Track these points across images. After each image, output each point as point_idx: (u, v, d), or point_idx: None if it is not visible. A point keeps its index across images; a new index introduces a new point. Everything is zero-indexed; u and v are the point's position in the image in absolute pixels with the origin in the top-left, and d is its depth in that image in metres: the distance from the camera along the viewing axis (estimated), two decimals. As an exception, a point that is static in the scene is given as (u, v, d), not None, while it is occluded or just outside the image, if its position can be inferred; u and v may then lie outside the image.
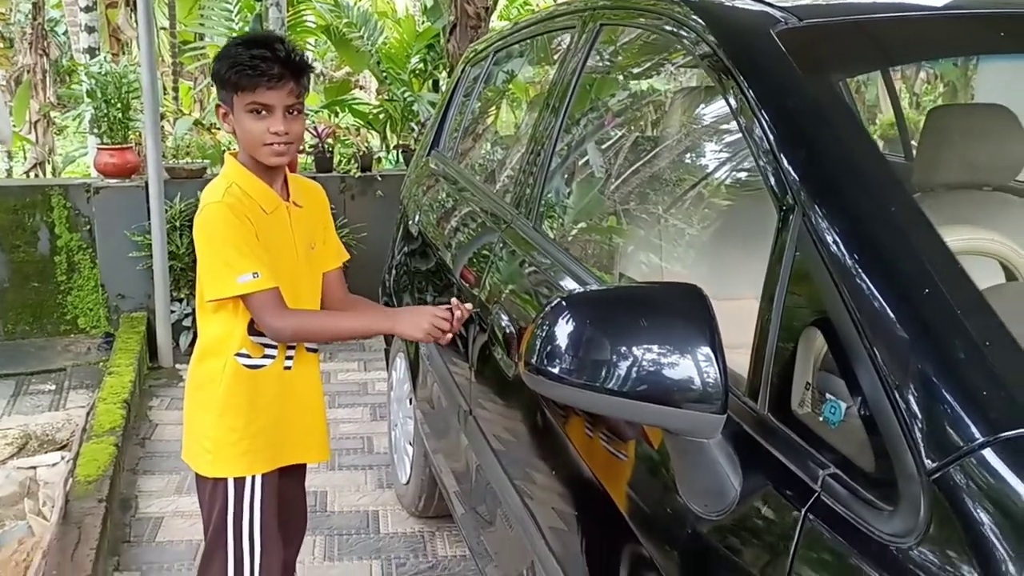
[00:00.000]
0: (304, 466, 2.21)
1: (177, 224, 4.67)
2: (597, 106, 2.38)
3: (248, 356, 1.96)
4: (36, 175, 9.22)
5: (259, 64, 1.81)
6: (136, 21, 6.48)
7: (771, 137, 1.30)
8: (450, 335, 1.96)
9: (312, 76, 1.98)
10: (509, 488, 1.94)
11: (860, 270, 1.08)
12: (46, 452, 3.55)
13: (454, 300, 2.03)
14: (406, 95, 5.95)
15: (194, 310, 2.13)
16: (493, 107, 3.36)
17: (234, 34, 5.56)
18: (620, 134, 2.33)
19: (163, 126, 5.65)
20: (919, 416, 0.95)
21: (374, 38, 6.49)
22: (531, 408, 1.87)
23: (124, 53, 8.02)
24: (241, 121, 1.86)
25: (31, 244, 4.93)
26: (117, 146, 4.86)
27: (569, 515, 1.69)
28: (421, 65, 6.41)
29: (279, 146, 1.87)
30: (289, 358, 2.01)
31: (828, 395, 1.08)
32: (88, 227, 4.94)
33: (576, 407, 1.15)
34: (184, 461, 2.07)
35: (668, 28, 1.76)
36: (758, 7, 1.60)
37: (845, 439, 1.05)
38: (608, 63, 2.36)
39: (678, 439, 1.16)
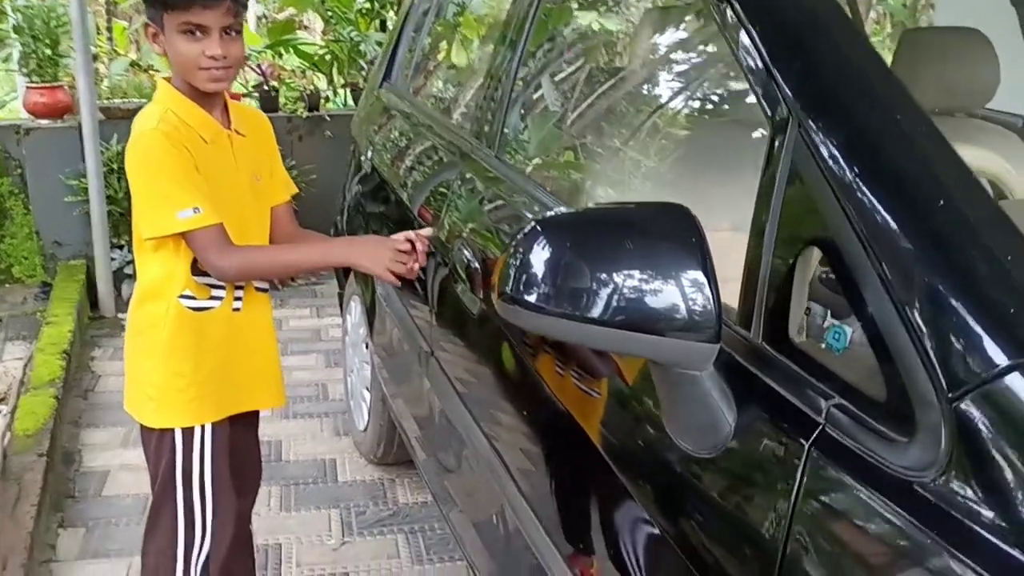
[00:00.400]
0: (257, 413, 2.09)
1: (114, 167, 4.45)
2: (561, 30, 2.25)
3: (193, 298, 1.83)
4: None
5: None
6: (64, -46, 6.12)
7: (763, 49, 1.19)
8: (417, 266, 1.85)
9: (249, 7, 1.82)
10: (475, 430, 1.85)
11: (865, 182, 0.99)
12: (-19, 406, 3.38)
13: (410, 232, 1.91)
14: (353, 35, 5.73)
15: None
16: (449, 34, 3.20)
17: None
18: (585, 59, 2.21)
19: (97, 68, 5.38)
20: (938, 338, 0.86)
21: (318, -25, 6.22)
22: (497, 346, 1.77)
23: (53, -10, 7.61)
24: (174, 43, 1.70)
25: (-41, 189, 4.68)
26: (47, 84, 4.60)
27: (541, 456, 1.60)
28: (368, 4, 6.18)
29: (216, 71, 1.71)
30: (238, 299, 1.88)
31: (831, 320, 1.00)
32: (20, 171, 4.69)
33: (555, 339, 1.06)
34: (127, 412, 1.94)
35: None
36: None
37: (851, 367, 0.97)
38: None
39: (667, 372, 1.07)
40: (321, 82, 6.11)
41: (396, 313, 2.51)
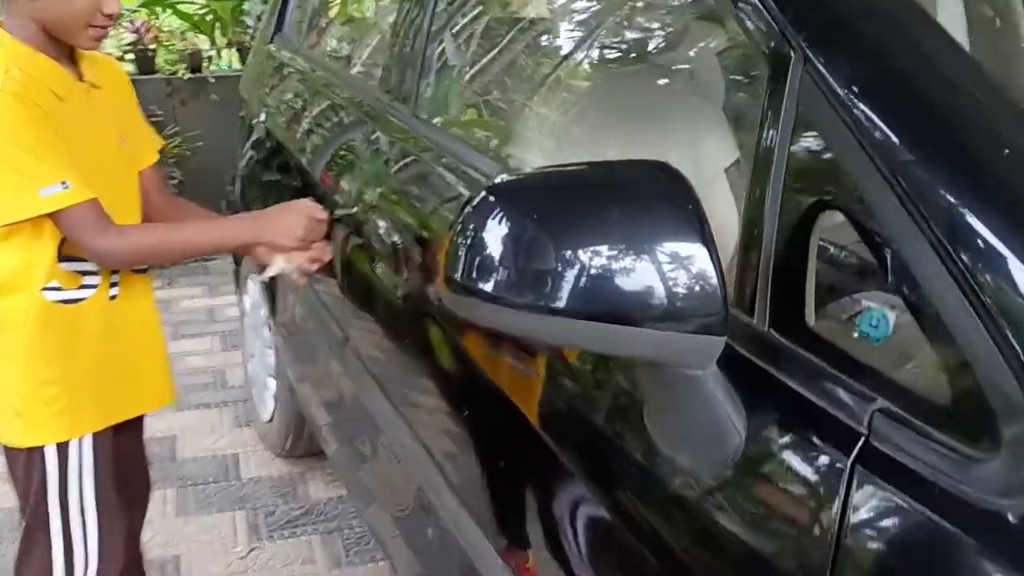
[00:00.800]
0: (142, 416, 1.81)
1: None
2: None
3: (60, 289, 1.53)
4: None
5: None
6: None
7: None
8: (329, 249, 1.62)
9: None
10: (394, 417, 1.64)
11: (905, 125, 0.80)
12: None
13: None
14: (236, -8, 5.35)
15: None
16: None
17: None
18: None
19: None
20: (1025, 324, 0.68)
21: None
22: (421, 327, 1.55)
23: None
24: None
25: None
26: None
27: (472, 444, 1.41)
28: (251, -42, 5.78)
29: (104, 29, 1.48)
30: (114, 285, 1.59)
31: (866, 302, 0.81)
32: None
33: (520, 336, 0.85)
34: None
35: None
36: None
37: (897, 360, 0.78)
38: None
39: (658, 372, 0.87)
40: (204, 43, 5.71)
41: (299, 287, 2.25)
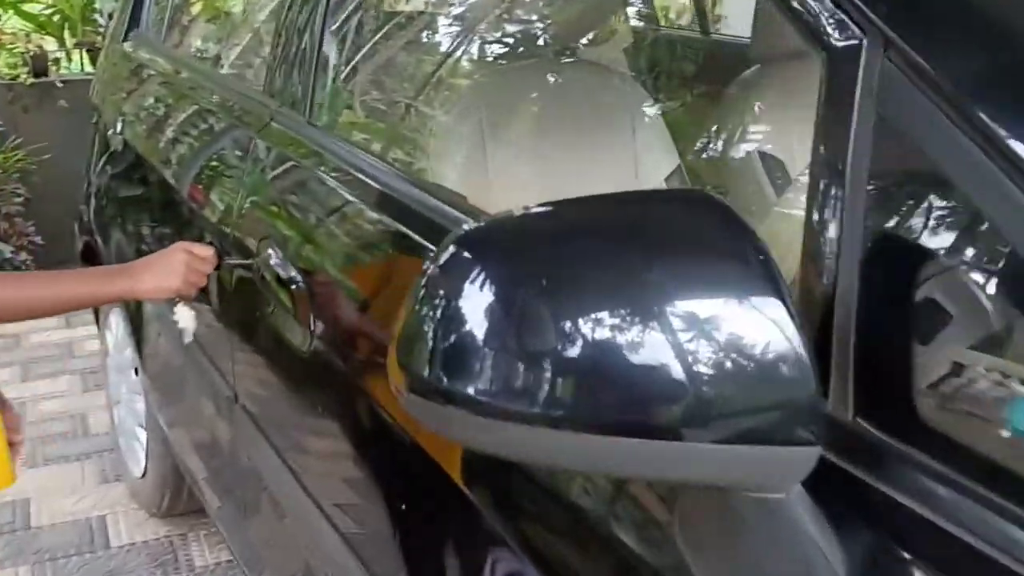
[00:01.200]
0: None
1: None
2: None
3: None
4: None
5: None
6: None
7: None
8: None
9: None
10: (288, 477, 1.35)
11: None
12: None
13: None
14: (86, -10, 4.87)
15: None
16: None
17: None
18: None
19: None
20: None
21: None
22: (330, 386, 1.27)
23: None
24: None
25: None
26: None
27: (384, 510, 1.14)
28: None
29: None
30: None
31: (1014, 381, 0.57)
32: None
33: (521, 460, 0.58)
34: None
35: None
36: None
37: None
38: None
39: (720, 501, 0.61)
40: (50, 44, 5.19)
41: (175, 334, 1.91)
